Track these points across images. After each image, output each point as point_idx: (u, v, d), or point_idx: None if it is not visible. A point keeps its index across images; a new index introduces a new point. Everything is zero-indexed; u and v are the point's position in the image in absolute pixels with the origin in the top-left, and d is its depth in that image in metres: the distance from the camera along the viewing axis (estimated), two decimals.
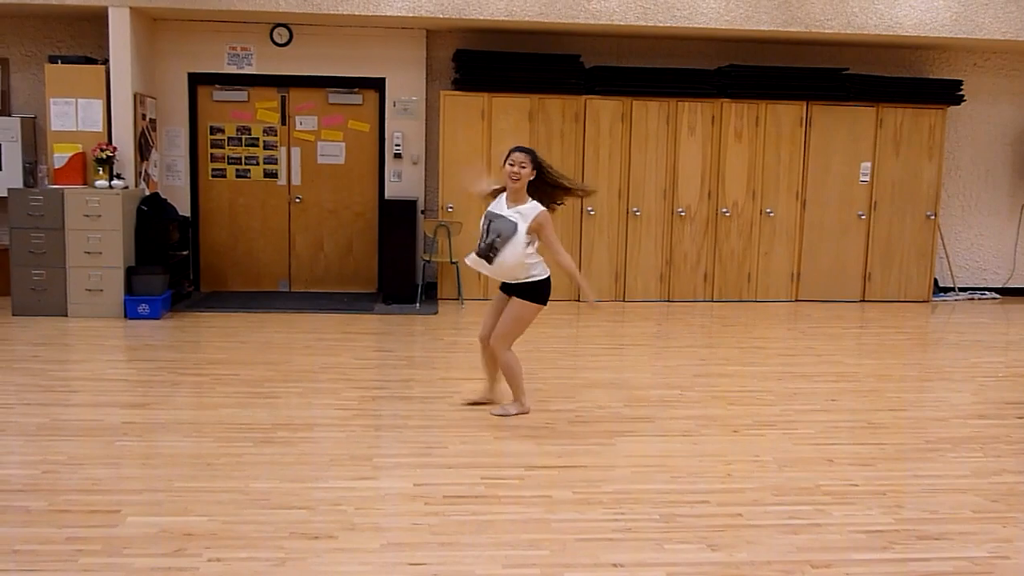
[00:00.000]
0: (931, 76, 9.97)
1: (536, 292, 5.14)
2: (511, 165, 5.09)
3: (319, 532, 3.64)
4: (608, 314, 8.84)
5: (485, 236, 5.11)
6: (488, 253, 5.08)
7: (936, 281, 10.14)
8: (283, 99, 9.33)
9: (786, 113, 9.47)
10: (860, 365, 6.98)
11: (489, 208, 5.20)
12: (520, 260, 5.05)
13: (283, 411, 5.37)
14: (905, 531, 3.79)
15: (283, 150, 9.41)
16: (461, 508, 3.92)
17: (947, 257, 10.31)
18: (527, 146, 5.30)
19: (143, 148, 8.62)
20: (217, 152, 9.35)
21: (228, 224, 9.45)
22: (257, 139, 9.36)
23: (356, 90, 9.36)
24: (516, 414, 5.34)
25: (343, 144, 9.46)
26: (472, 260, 5.24)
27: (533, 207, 5.10)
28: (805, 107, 9.48)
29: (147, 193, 8.60)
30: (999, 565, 3.50)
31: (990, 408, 5.80)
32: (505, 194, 5.18)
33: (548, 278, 5.17)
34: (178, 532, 3.60)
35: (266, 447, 4.68)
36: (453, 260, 8.99)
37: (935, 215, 9.80)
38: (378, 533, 3.64)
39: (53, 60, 8.33)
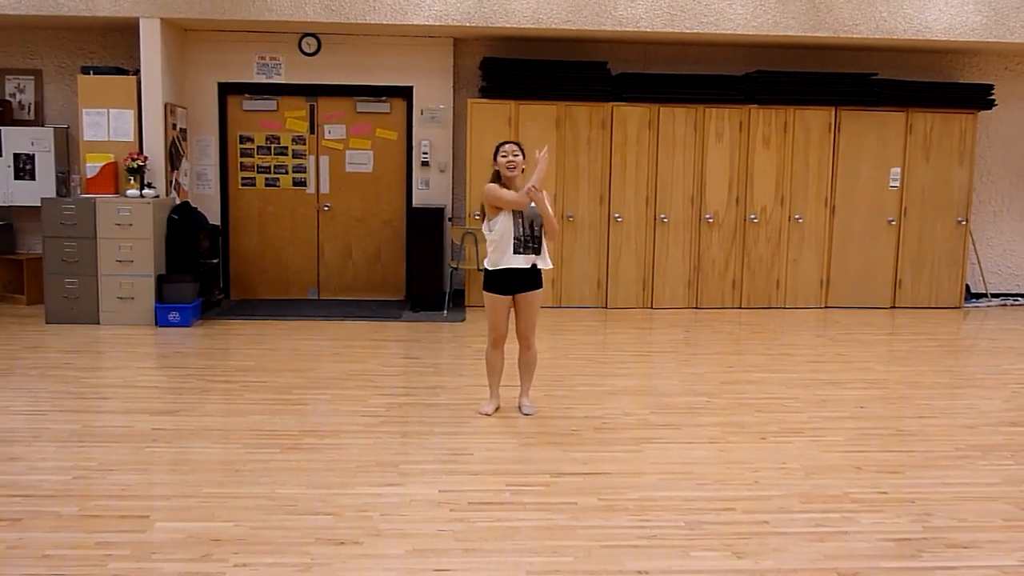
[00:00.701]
0: (961, 81, 9.87)
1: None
2: (504, 156, 5.30)
3: (345, 538, 3.66)
4: (636, 321, 8.82)
5: (522, 229, 5.21)
6: (536, 245, 5.26)
7: (968, 287, 10.03)
8: (312, 108, 9.41)
9: (814, 118, 9.41)
10: (890, 372, 6.91)
11: None
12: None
13: (310, 418, 5.41)
14: (934, 539, 3.75)
15: (312, 159, 9.48)
16: (486, 515, 3.93)
17: (979, 263, 10.19)
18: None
19: (173, 157, 8.73)
20: (247, 161, 9.44)
21: (257, 232, 9.54)
22: (286, 148, 9.45)
23: (384, 99, 9.42)
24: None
25: (371, 152, 9.52)
26: (514, 260, 5.24)
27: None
28: (834, 112, 9.42)
29: (177, 202, 8.70)
30: None
31: (1022, 415, 5.72)
32: (504, 186, 5.30)
33: None
34: (206, 537, 3.63)
35: (293, 453, 4.71)
36: (480, 267, 8.99)
37: (967, 221, 9.69)
38: (403, 539, 3.66)
39: (85, 71, 8.46)
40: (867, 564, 3.50)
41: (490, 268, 5.34)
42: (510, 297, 5.35)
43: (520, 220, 5.23)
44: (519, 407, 5.56)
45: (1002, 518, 4.00)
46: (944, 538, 3.76)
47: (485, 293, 5.40)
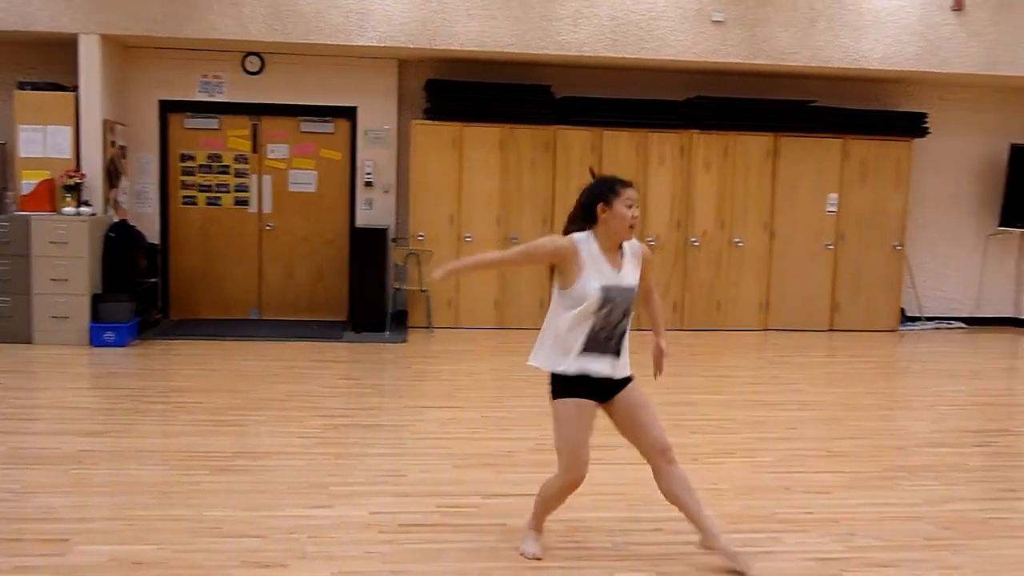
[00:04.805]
0: (897, 109, 10.12)
1: None
2: (629, 207, 3.53)
3: (270, 561, 3.62)
4: None
5: (606, 326, 3.55)
6: (618, 346, 3.62)
7: (903, 311, 10.24)
8: (254, 127, 9.36)
9: (754, 144, 9.58)
10: (825, 394, 7.04)
11: (600, 282, 3.50)
12: None
13: (245, 439, 5.35)
14: (856, 558, 3.81)
15: (254, 178, 9.42)
16: (415, 536, 3.91)
17: (914, 287, 10.41)
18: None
19: (112, 175, 8.61)
20: (188, 179, 9.35)
21: (198, 251, 9.43)
22: (228, 167, 9.37)
23: (328, 119, 9.41)
24: None
25: (315, 172, 9.49)
26: (591, 367, 3.57)
27: (632, 248, 3.64)
28: (773, 138, 9.60)
29: (115, 220, 8.58)
30: None
31: (949, 436, 5.85)
32: (601, 248, 3.55)
33: None
34: (127, 561, 3.57)
35: (224, 475, 4.66)
36: (423, 288, 9.00)
37: (902, 245, 9.91)
38: (330, 562, 3.63)
39: (22, 86, 8.33)
40: None
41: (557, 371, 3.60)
42: (593, 405, 3.64)
43: (606, 315, 3.54)
44: (731, 558, 3.64)
45: (923, 537, 4.09)
46: (866, 557, 3.83)
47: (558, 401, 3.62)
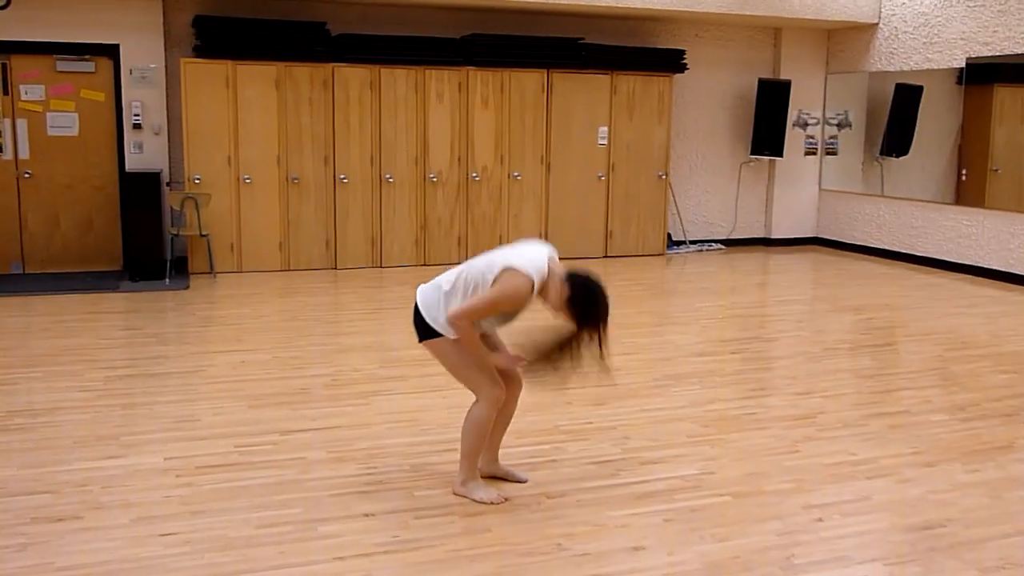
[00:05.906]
0: (658, 46, 10.71)
1: None
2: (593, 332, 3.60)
3: (63, 514, 3.56)
4: (365, 280, 8.94)
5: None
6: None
7: (669, 235, 10.99)
8: (4, 67, 8.66)
9: (529, 80, 9.88)
10: None
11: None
12: None
13: (19, 397, 5.12)
14: (630, 459, 4.22)
15: (7, 122, 8.74)
16: (214, 477, 3.95)
17: (678, 213, 11.18)
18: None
19: None
20: None
21: None
22: None
23: (88, 57, 8.84)
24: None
25: (76, 115, 8.92)
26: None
27: None
28: (546, 75, 9.94)
29: None
30: (705, 479, 3.99)
31: (710, 346, 6.45)
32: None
33: None
34: None
35: (2, 435, 4.47)
36: (203, 233, 8.76)
37: (666, 175, 10.60)
38: (127, 509, 3.62)
39: None
40: (572, 486, 3.90)
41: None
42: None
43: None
44: (507, 474, 3.99)
45: (687, 435, 4.56)
46: (639, 456, 4.25)
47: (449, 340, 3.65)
